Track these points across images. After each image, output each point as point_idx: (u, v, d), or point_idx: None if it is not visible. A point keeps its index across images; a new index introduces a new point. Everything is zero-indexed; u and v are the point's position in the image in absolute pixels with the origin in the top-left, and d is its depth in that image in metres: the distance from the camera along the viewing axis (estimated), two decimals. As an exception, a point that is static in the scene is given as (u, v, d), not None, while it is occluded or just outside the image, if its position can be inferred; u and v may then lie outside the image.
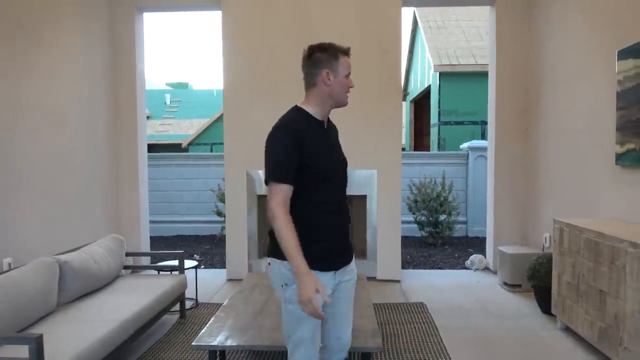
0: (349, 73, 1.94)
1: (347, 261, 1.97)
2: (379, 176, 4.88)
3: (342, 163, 2.01)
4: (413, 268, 5.66)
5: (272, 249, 1.85)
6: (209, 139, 16.12)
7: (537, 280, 3.79)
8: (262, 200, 5.02)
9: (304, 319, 1.77)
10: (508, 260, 4.50)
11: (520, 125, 5.13)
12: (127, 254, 3.85)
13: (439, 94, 10.80)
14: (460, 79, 10.59)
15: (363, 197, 4.95)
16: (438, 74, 10.76)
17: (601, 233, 2.88)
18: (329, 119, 2.03)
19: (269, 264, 1.89)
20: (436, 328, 3.54)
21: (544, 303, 3.75)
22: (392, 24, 4.89)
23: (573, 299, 3.23)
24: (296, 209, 1.79)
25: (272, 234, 1.84)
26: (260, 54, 4.93)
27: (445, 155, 8.51)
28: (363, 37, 4.85)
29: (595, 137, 3.75)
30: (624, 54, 3.32)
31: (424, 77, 12.52)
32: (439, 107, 10.84)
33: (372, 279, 4.90)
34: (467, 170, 8.06)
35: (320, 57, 1.91)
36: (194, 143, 16.25)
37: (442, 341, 3.29)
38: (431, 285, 4.75)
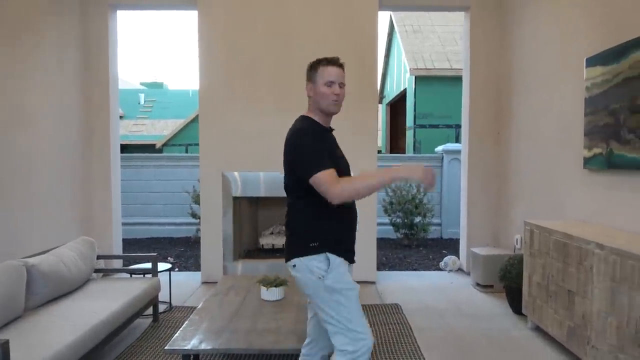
0: (332, 81, 2.03)
1: (353, 256, 2.14)
2: (355, 178, 4.90)
3: (348, 165, 2.19)
4: (388, 269, 5.71)
5: (295, 249, 1.99)
6: (184, 140, 15.90)
7: (508, 281, 3.87)
8: (237, 201, 4.99)
9: (352, 302, 1.93)
10: (480, 261, 4.58)
11: (493, 129, 5.25)
12: (99, 257, 3.76)
13: (415, 97, 10.93)
14: (435, 82, 10.74)
15: (339, 199, 4.96)
16: (414, 77, 10.89)
17: (569, 235, 2.97)
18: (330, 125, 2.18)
19: (294, 265, 1.99)
20: (410, 329, 3.58)
21: (515, 303, 3.83)
22: (368, 28, 4.92)
23: (543, 299, 3.31)
24: (314, 209, 1.96)
25: (289, 235, 2.05)
26: (238, 56, 4.90)
27: (420, 158, 8.61)
28: (340, 40, 4.87)
29: (565, 141, 3.86)
30: (591, 62, 3.42)
31: (400, 80, 12.65)
32: (415, 110, 10.97)
33: (348, 280, 4.92)
34: (442, 172, 8.18)
35: (307, 72, 2.11)
36: (168, 144, 16.00)
37: (416, 342, 3.33)
38: (406, 287, 4.80)
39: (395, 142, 14.70)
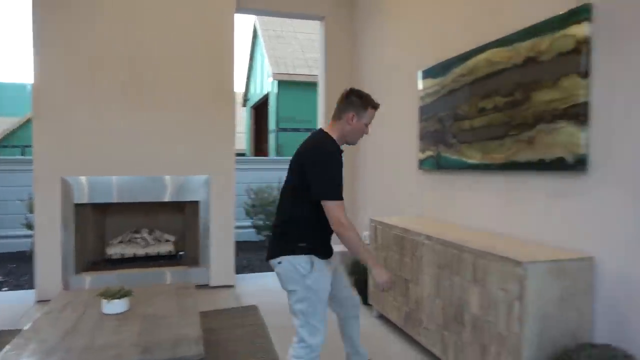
0: (370, 123, 2.38)
1: (331, 254, 2.43)
2: (211, 181, 4.81)
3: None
4: (249, 272, 5.71)
5: (285, 248, 2.26)
6: (20, 141, 14.00)
7: (357, 275, 4.14)
8: (80, 208, 4.54)
9: (319, 306, 2.26)
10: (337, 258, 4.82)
11: (345, 133, 5.57)
12: None
13: (277, 101, 11.14)
14: (296, 87, 11.08)
15: (195, 203, 4.82)
16: (276, 81, 11.09)
17: (406, 229, 3.29)
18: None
19: (280, 262, 2.26)
20: (267, 329, 3.62)
21: (363, 295, 4.10)
22: (225, 29, 4.87)
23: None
24: (311, 215, 2.23)
25: (279, 234, 2.31)
26: (81, 51, 4.46)
27: (283, 161, 8.78)
28: (195, 40, 4.75)
29: (404, 145, 4.26)
30: (425, 74, 3.84)
31: (263, 84, 12.78)
32: (277, 114, 11.18)
33: (205, 286, 4.80)
34: (302, 175, 8.45)
35: (354, 101, 2.32)
36: (0, 145, 13.95)
37: (271, 341, 3.38)
38: (265, 288, 4.85)
39: (260, 145, 14.80)
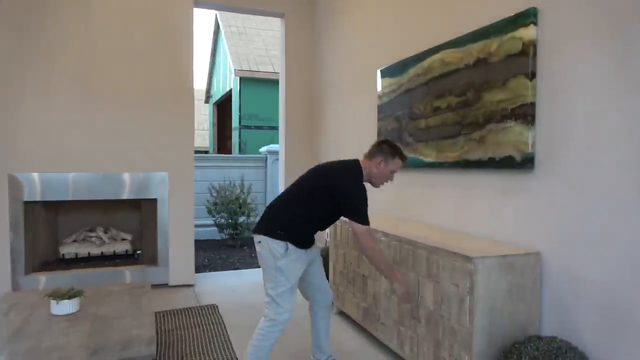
0: (395, 171, 2.63)
1: (312, 244, 2.66)
2: (170, 179, 4.72)
3: None
4: (210, 271, 5.64)
5: (265, 227, 2.49)
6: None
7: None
8: (30, 207, 4.36)
9: (287, 288, 2.46)
10: (296, 256, 4.82)
11: (306, 131, 5.58)
12: None
13: (240, 98, 11.03)
14: (259, 85, 11.00)
15: (153, 201, 4.72)
16: (239, 78, 10.98)
17: (363, 226, 3.32)
18: None
19: (259, 242, 2.49)
20: (225, 328, 3.58)
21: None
22: (184, 24, 4.78)
23: (344, 286, 3.65)
24: (305, 214, 2.50)
25: (269, 216, 2.54)
26: (31, 43, 4.28)
27: (245, 159, 8.72)
28: (152, 35, 4.64)
29: (363, 144, 4.28)
30: (383, 73, 3.89)
31: (226, 81, 12.62)
32: (240, 111, 11.07)
33: (164, 285, 4.71)
34: (266, 172, 8.41)
35: (385, 149, 2.59)
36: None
37: (229, 340, 3.35)
38: (225, 287, 4.80)
39: (223, 143, 14.61)
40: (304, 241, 2.54)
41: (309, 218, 2.51)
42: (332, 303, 2.86)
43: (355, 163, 2.59)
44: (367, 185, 2.57)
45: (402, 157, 2.62)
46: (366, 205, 2.46)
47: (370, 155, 2.61)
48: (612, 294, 2.05)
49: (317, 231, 2.61)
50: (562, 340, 2.16)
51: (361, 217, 2.43)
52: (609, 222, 2.05)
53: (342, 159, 2.72)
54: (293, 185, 2.65)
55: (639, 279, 1.94)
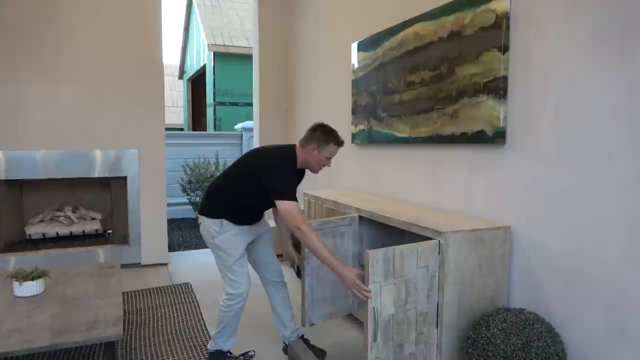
0: (331, 157, 2.54)
1: (256, 222, 2.65)
2: (141, 156, 4.59)
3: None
4: (185, 250, 5.57)
5: (203, 208, 2.55)
6: None
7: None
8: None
9: (231, 262, 2.52)
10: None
11: (281, 107, 5.48)
12: None
13: (214, 73, 10.77)
14: (234, 60, 10.75)
15: (123, 179, 4.59)
16: (212, 53, 10.70)
17: (336, 202, 3.30)
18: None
19: (200, 223, 2.57)
20: (198, 306, 3.55)
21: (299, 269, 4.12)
22: (151, -5, 4.59)
23: (319, 262, 3.63)
24: (241, 197, 2.48)
25: (208, 195, 2.57)
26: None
27: (220, 136, 8.58)
28: (118, 9, 4.43)
29: (338, 119, 4.24)
30: (357, 47, 3.81)
31: (200, 56, 12.30)
32: (214, 87, 10.83)
33: (136, 265, 4.63)
34: (242, 150, 8.29)
35: (318, 135, 2.48)
36: None
37: (202, 318, 3.33)
38: (199, 265, 4.75)
39: (198, 120, 14.34)
40: (242, 220, 2.54)
41: (243, 201, 2.50)
42: (283, 279, 2.83)
43: (288, 149, 2.54)
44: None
45: (338, 143, 2.52)
46: (289, 185, 2.36)
47: (305, 141, 2.51)
48: (578, 267, 2.08)
49: (257, 212, 2.62)
50: (530, 312, 2.20)
51: (282, 195, 2.30)
52: (578, 198, 2.07)
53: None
54: (232, 166, 2.61)
55: (604, 252, 1.97)
